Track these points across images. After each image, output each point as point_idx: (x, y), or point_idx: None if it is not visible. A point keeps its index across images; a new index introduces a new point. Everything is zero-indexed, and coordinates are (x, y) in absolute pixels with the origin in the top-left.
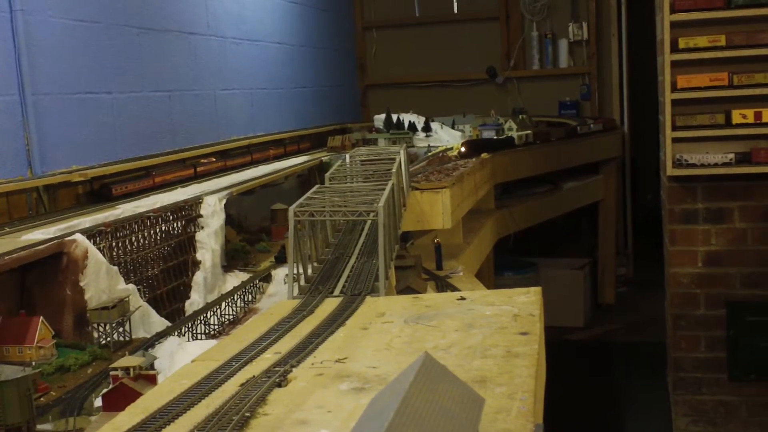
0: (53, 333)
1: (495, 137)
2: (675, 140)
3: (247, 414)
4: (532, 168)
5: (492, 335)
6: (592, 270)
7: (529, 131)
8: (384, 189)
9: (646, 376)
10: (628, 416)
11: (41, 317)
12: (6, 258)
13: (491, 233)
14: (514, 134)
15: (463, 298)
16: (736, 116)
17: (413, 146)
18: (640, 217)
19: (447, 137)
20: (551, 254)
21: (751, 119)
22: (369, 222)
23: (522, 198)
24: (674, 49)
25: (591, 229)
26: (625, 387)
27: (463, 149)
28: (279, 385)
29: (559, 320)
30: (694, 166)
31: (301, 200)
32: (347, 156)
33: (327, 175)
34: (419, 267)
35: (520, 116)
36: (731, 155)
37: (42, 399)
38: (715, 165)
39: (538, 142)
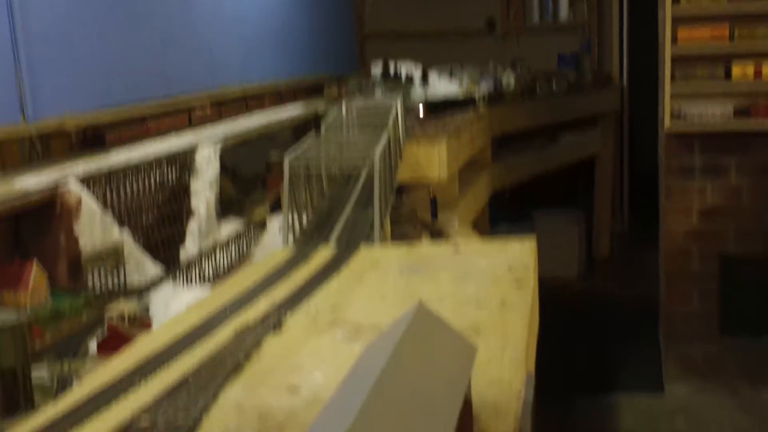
0: (48, 279)
1: (466, 98)
2: (674, 95)
3: (241, 360)
4: (529, 121)
5: (486, 286)
6: (587, 223)
7: (512, 87)
8: (380, 140)
9: (638, 329)
10: (620, 366)
11: (35, 263)
12: (0, 205)
13: (487, 186)
14: (476, 94)
15: (457, 249)
16: (737, 71)
17: (410, 97)
18: (637, 172)
19: (444, 88)
20: (547, 207)
21: (751, 74)
22: (364, 172)
23: (518, 151)
24: (675, 1)
25: (587, 183)
26: (616, 338)
27: (422, 112)
28: (273, 333)
29: (553, 272)
30: (692, 120)
31: (296, 150)
32: (343, 106)
33: (323, 125)
34: (414, 218)
35: (520, 68)
36: (730, 110)
37: (37, 344)
38: (714, 120)
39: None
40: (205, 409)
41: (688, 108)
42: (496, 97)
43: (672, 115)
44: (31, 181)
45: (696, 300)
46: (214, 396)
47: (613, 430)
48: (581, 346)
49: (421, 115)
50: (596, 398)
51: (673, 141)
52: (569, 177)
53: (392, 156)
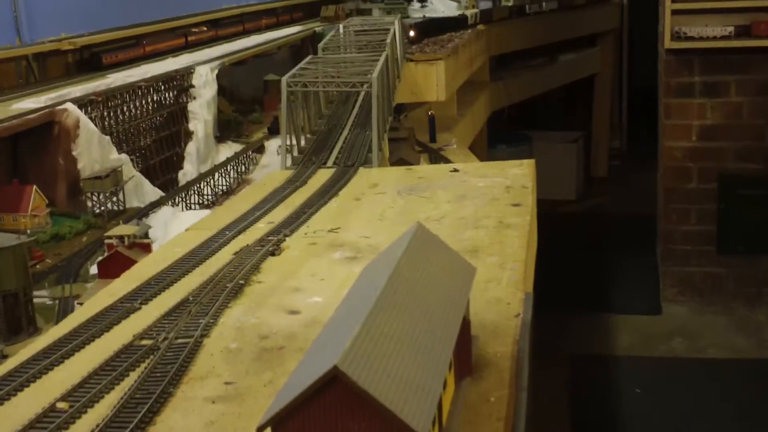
0: (47, 202)
1: (456, 16)
2: (674, 12)
3: (241, 281)
4: (527, 40)
5: (484, 206)
6: (585, 143)
7: (504, 6)
8: (378, 60)
9: (635, 247)
10: (617, 286)
11: (35, 186)
12: None
13: (485, 106)
14: (469, 12)
15: (456, 170)
16: None
17: (408, 17)
18: (636, 91)
19: (443, 8)
20: (545, 128)
21: None
22: (362, 93)
23: (517, 70)
24: None
25: (586, 102)
26: (614, 258)
27: (412, 33)
28: (272, 254)
29: (551, 193)
30: (692, 38)
31: (293, 70)
32: (341, 26)
33: (320, 45)
34: (413, 139)
35: None
36: (731, 28)
37: (38, 266)
38: (714, 38)
39: (485, 22)
40: (206, 329)
41: (689, 26)
42: (491, 15)
43: (672, 33)
44: (28, 103)
45: (694, 218)
46: (215, 317)
47: (610, 350)
48: (579, 266)
49: (411, 35)
50: (594, 317)
51: (672, 59)
52: (568, 97)
53: (390, 76)
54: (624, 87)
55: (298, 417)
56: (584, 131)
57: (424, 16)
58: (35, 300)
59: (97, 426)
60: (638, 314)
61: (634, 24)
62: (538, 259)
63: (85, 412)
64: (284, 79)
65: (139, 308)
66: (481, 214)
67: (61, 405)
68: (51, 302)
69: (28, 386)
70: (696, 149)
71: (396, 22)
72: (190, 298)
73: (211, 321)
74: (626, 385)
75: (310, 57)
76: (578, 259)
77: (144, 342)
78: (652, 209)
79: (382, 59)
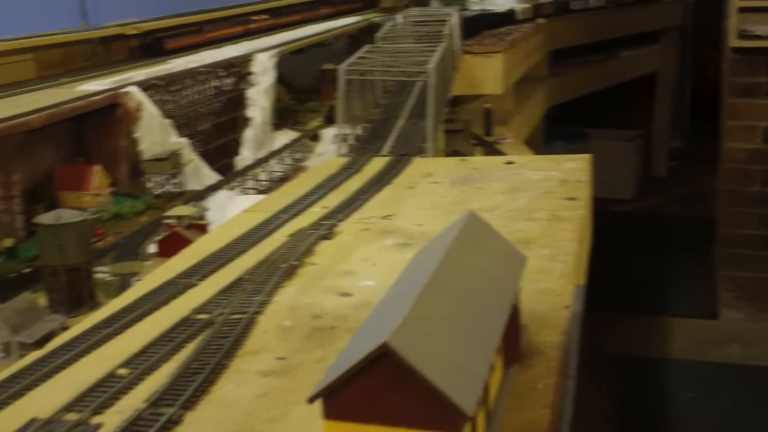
0: (109, 181)
1: (503, 11)
2: (741, 9)
3: (294, 263)
4: (586, 35)
5: (538, 199)
6: (644, 142)
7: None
8: (436, 51)
9: (691, 250)
10: (673, 289)
11: (98, 165)
12: (63, 107)
13: (543, 101)
14: (518, 8)
15: (510, 162)
16: None
17: (467, 9)
18: (698, 90)
19: (502, 0)
20: (603, 125)
21: None
22: (419, 83)
23: (576, 66)
24: None
25: (646, 100)
26: (670, 260)
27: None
28: (326, 238)
29: (607, 192)
30: (759, 37)
31: (351, 59)
32: (399, 17)
33: (378, 35)
34: (468, 131)
35: None
36: None
37: (99, 244)
38: None
39: (535, 17)
40: (260, 307)
41: (756, 25)
42: (555, 11)
43: (738, 32)
44: (94, 85)
45: (756, 222)
46: (269, 295)
47: (663, 352)
48: (635, 266)
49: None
50: (647, 319)
51: (738, 58)
52: (627, 95)
53: (447, 68)
54: (687, 86)
55: (347, 390)
56: (643, 130)
57: (483, 10)
58: (96, 276)
59: (155, 392)
60: (693, 318)
61: (699, 21)
62: (592, 258)
63: (144, 379)
64: (342, 68)
65: (196, 284)
66: (534, 207)
67: (121, 371)
68: (111, 278)
69: (90, 353)
70: (760, 151)
71: (454, 14)
72: (246, 277)
73: (265, 299)
74: (678, 389)
75: (367, 46)
76: (633, 259)
77: (201, 316)
78: (710, 212)
79: (439, 50)
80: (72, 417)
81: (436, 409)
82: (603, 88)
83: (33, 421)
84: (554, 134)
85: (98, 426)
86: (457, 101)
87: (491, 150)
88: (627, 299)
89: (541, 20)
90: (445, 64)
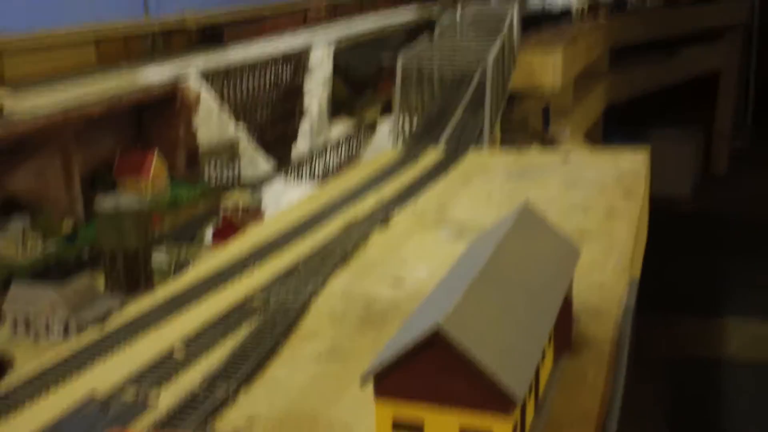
0: (167, 169)
1: (563, 8)
2: None
3: (348, 251)
4: (647, 32)
5: (594, 194)
6: (705, 141)
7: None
8: (494, 45)
9: (749, 252)
10: (729, 290)
11: (156, 153)
12: (123, 96)
13: (602, 97)
14: (575, 7)
15: (567, 157)
16: None
17: (527, 5)
18: (762, 88)
19: None
20: (664, 123)
21: None
22: (477, 77)
23: (636, 63)
24: None
25: (708, 98)
26: (728, 260)
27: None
28: (380, 228)
29: (667, 190)
30: None
31: (409, 52)
32: (458, 11)
33: (437, 28)
34: (525, 126)
35: None
36: None
37: (156, 229)
38: None
39: (591, 14)
40: (314, 293)
41: None
42: (614, 8)
43: None
44: (154, 75)
45: None
46: (323, 282)
47: (718, 353)
48: (690, 267)
49: None
50: (703, 320)
51: None
52: (688, 92)
53: (506, 62)
54: (751, 84)
55: (399, 372)
56: (704, 129)
57: (543, 7)
58: (153, 260)
59: (210, 373)
60: (750, 319)
61: (765, 19)
62: (647, 256)
63: (199, 359)
64: (400, 60)
65: (252, 270)
66: (590, 202)
67: (177, 351)
68: (167, 265)
69: (147, 333)
70: None
71: (513, 10)
72: (300, 264)
73: (319, 286)
74: (732, 392)
75: (426, 40)
76: (689, 260)
77: (255, 301)
78: None
79: (498, 45)
80: (129, 394)
81: (486, 392)
82: (664, 86)
83: (91, 397)
84: (613, 131)
85: (154, 403)
86: (515, 96)
87: (548, 145)
88: (681, 300)
89: (601, 18)
90: (503, 59)
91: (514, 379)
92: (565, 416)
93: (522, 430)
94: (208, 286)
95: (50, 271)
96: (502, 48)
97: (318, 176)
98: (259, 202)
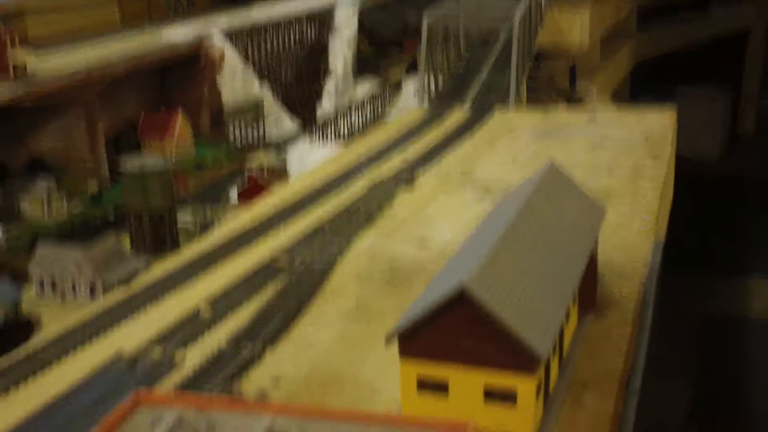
0: (192, 130)
1: None
2: None
3: (374, 212)
4: None
5: (620, 155)
6: (733, 101)
7: None
8: (521, 3)
9: None
10: (756, 250)
11: (181, 113)
12: (147, 56)
13: (629, 57)
14: None
15: (594, 118)
16: None
17: None
18: None
19: None
20: (691, 82)
21: None
22: (503, 36)
23: (665, 21)
24: None
25: (736, 58)
26: (755, 222)
27: None
28: (405, 189)
29: (693, 150)
30: None
31: (435, 11)
32: None
33: None
34: (552, 85)
35: None
36: None
37: (182, 191)
38: None
39: None
40: (339, 253)
41: None
42: None
43: None
44: (177, 34)
45: None
46: (348, 242)
47: (744, 312)
48: (717, 227)
49: None
50: (729, 280)
51: None
52: (716, 52)
53: (532, 21)
54: None
55: (424, 331)
56: (733, 88)
57: None
58: (178, 221)
59: (236, 332)
60: None
61: None
62: (674, 216)
63: (226, 318)
64: (425, 19)
65: (277, 230)
66: (616, 162)
67: (203, 310)
68: (192, 224)
69: (173, 293)
70: None
71: None
72: (326, 224)
73: (344, 246)
74: (757, 350)
75: None
76: (716, 220)
77: (281, 261)
78: None
79: (524, 3)
80: (156, 353)
81: (510, 351)
82: (692, 45)
83: (119, 355)
84: (640, 91)
85: (181, 362)
86: (541, 55)
87: (574, 105)
88: (709, 260)
89: None
90: (529, 17)
91: (539, 339)
92: (589, 374)
93: (546, 388)
94: (233, 246)
95: (76, 232)
96: (529, 6)
97: (343, 136)
98: (284, 162)
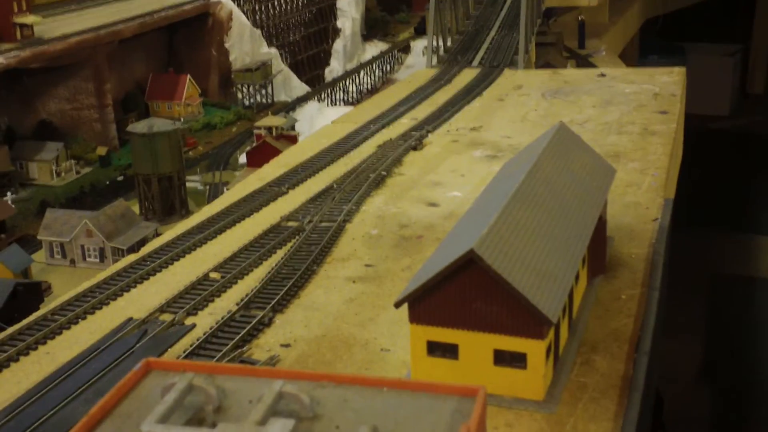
0: (200, 91)
1: None
2: None
3: (383, 173)
4: None
5: (630, 112)
6: (743, 58)
7: None
8: None
9: None
10: (765, 208)
11: (189, 75)
12: (154, 16)
13: (639, 13)
14: None
15: (603, 75)
16: None
17: None
18: None
19: None
20: (701, 40)
21: None
22: None
23: None
24: None
25: (746, 14)
26: (765, 181)
27: None
28: (414, 149)
29: (703, 108)
30: None
31: None
32: None
33: None
34: (560, 44)
35: None
36: None
37: (190, 153)
38: None
39: None
40: (349, 215)
41: None
42: None
43: None
44: None
45: None
46: (358, 204)
47: (751, 269)
48: (727, 185)
49: None
50: (739, 237)
51: None
52: (727, 9)
53: None
54: None
55: (433, 296)
56: (743, 45)
57: None
58: (187, 184)
59: (246, 296)
60: None
61: None
62: (684, 174)
63: (236, 282)
64: None
65: (286, 192)
66: (626, 120)
67: (213, 275)
68: (202, 187)
69: (183, 257)
70: None
71: None
72: (335, 186)
73: (354, 208)
74: (766, 307)
75: None
76: (727, 177)
77: (290, 223)
78: None
79: None
80: (166, 317)
81: (520, 315)
82: (701, 2)
83: (129, 320)
84: (650, 48)
85: (191, 326)
86: (550, 13)
87: (584, 63)
88: (719, 217)
89: None
90: None
91: (548, 302)
92: (598, 335)
93: (556, 350)
94: (243, 209)
95: (85, 196)
96: None
97: (352, 97)
98: (293, 123)
